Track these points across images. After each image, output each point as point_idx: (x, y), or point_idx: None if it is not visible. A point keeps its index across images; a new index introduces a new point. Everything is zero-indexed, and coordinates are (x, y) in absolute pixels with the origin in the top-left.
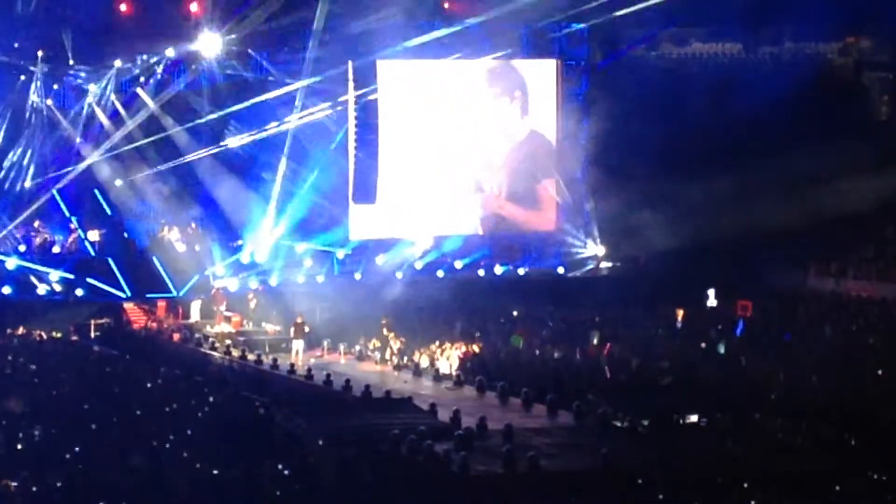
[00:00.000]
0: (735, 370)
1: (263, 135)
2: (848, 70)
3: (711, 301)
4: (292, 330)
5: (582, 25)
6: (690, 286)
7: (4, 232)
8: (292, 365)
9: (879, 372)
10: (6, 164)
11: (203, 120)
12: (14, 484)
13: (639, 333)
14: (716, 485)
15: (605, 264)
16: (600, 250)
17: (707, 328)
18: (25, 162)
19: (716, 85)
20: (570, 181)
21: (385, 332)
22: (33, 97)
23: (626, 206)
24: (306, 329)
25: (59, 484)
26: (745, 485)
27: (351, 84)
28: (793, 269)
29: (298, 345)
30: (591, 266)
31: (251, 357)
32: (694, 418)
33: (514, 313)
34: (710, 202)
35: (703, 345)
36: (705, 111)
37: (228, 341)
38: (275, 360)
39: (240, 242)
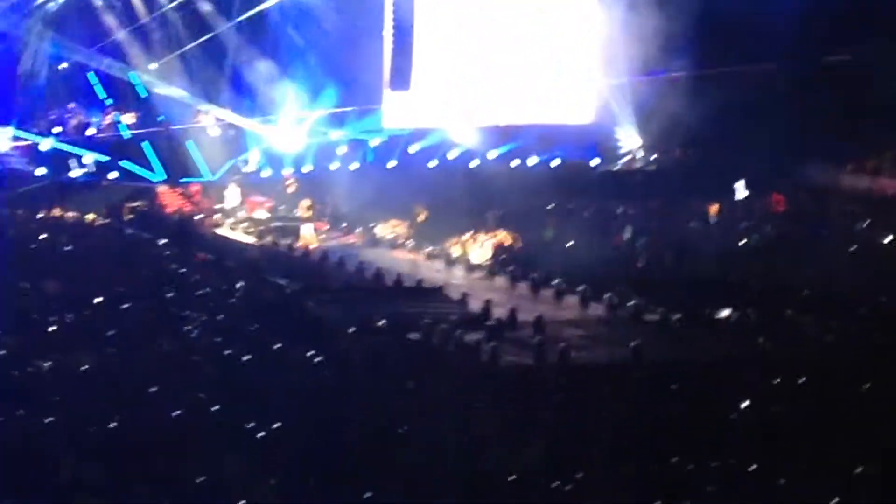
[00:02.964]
0: (767, 265)
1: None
2: None
3: (741, 194)
4: (300, 213)
5: None
6: (726, 181)
7: (40, 113)
8: (325, 251)
9: None
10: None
11: None
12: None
13: (672, 227)
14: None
15: (640, 157)
16: (637, 142)
17: (739, 222)
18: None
19: None
20: (609, 71)
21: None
22: None
23: (664, 97)
24: (311, 213)
25: (86, 367)
26: (775, 381)
27: None
28: (828, 166)
29: (306, 228)
30: (627, 158)
31: (284, 243)
32: (725, 313)
33: (548, 206)
34: (750, 95)
35: (740, 240)
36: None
37: (262, 227)
38: (307, 246)
39: (275, 128)
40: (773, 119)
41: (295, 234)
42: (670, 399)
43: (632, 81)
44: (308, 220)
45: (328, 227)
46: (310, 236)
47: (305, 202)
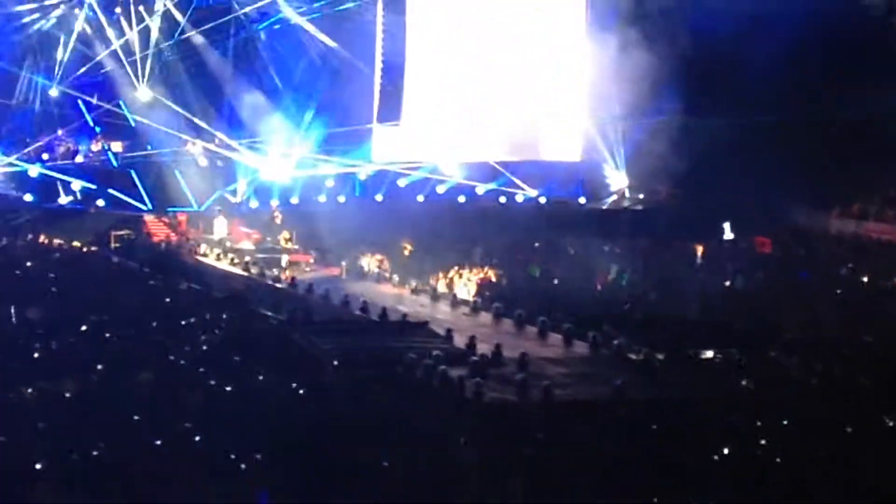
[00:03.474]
0: (752, 307)
1: None
2: (880, 10)
3: (727, 235)
4: (280, 245)
5: None
6: (711, 222)
7: (30, 141)
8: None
9: None
10: (33, 71)
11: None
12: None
13: (657, 267)
14: (728, 420)
15: (627, 196)
16: (623, 182)
17: (725, 264)
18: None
19: (747, 20)
20: (598, 111)
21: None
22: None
23: (652, 137)
24: (290, 246)
25: (68, 395)
26: (758, 422)
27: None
28: (815, 209)
29: (284, 259)
30: (613, 198)
31: (269, 274)
32: (709, 353)
33: (535, 243)
34: (738, 138)
35: (724, 282)
36: (734, 46)
37: (248, 258)
38: (293, 278)
39: (262, 159)
40: (760, 162)
41: (280, 265)
42: (653, 438)
43: (621, 121)
44: (288, 251)
45: (314, 259)
46: (288, 267)
47: (285, 234)
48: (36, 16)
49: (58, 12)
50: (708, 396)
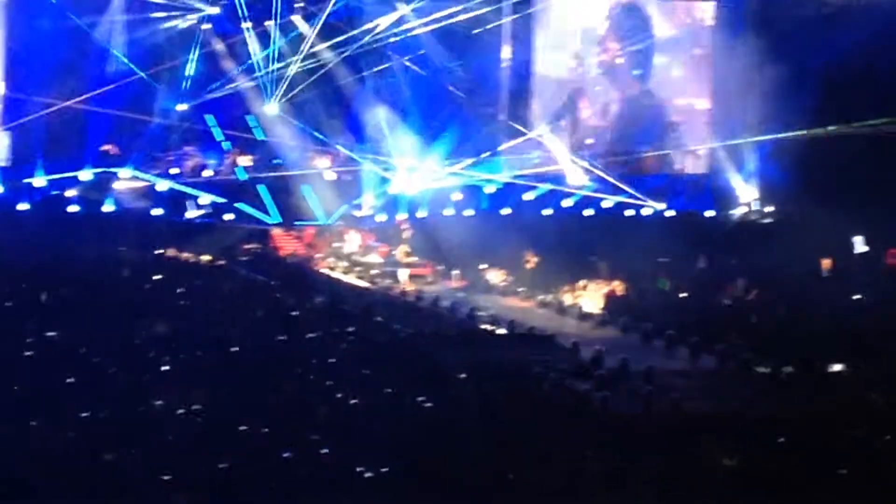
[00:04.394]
0: (884, 320)
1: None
2: None
3: (860, 248)
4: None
5: None
6: (842, 234)
7: (159, 155)
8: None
9: None
10: (162, 85)
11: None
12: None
13: (785, 280)
14: (857, 435)
15: (756, 209)
16: (752, 194)
17: (855, 277)
18: (182, 85)
19: (879, 31)
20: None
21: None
22: (190, 18)
23: (782, 150)
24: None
25: (196, 408)
26: (887, 437)
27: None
28: None
29: (403, 273)
30: (742, 210)
31: (397, 288)
32: (838, 367)
33: (662, 256)
34: (868, 149)
35: (854, 295)
36: (866, 58)
37: (375, 271)
38: (420, 291)
39: (390, 173)
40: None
41: (404, 278)
42: (780, 453)
43: (750, 133)
44: (408, 265)
45: (437, 272)
46: (407, 281)
47: (404, 248)
48: (164, 28)
49: (185, 25)
50: (836, 410)
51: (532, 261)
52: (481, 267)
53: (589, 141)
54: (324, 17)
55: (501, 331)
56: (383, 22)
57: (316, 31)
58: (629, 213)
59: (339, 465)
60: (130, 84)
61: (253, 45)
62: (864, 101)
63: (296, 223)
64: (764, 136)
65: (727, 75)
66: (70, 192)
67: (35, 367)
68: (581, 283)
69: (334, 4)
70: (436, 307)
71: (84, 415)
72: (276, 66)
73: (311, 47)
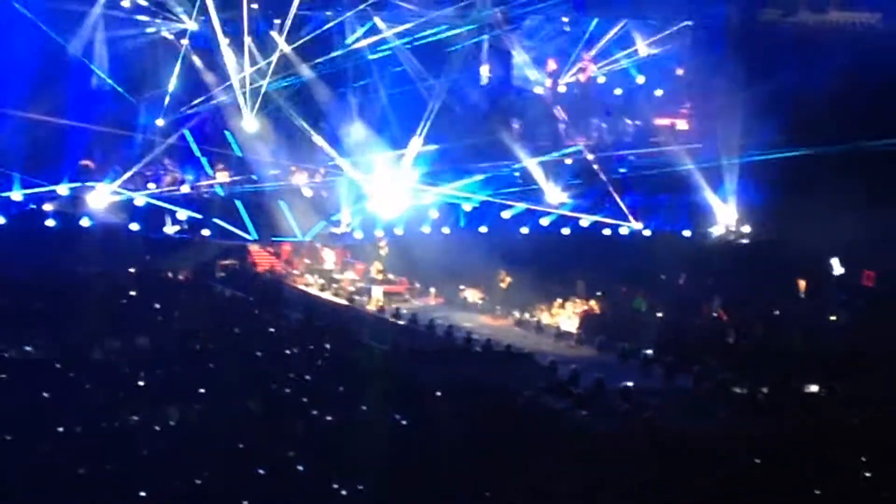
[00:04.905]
0: (858, 341)
1: None
2: None
3: (837, 269)
4: (371, 278)
5: None
6: (818, 256)
7: (135, 169)
8: (415, 314)
9: None
10: (140, 100)
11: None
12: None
13: (762, 301)
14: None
15: (733, 230)
16: (730, 215)
17: (831, 298)
18: (159, 100)
19: (855, 54)
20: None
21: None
22: (167, 34)
23: (758, 171)
24: (383, 277)
25: (172, 423)
26: (863, 458)
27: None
28: None
29: (377, 291)
30: (721, 233)
31: (373, 304)
32: (814, 388)
33: (639, 276)
34: (845, 171)
35: (829, 316)
36: (839, 82)
37: (351, 288)
38: (396, 309)
39: (367, 190)
40: (870, 196)
41: (378, 295)
42: (756, 471)
43: (726, 155)
44: (382, 282)
45: (413, 289)
46: (380, 298)
47: (377, 265)
48: (142, 43)
49: (163, 40)
50: (811, 430)
51: (508, 279)
52: (458, 284)
53: (567, 161)
54: (305, 34)
55: (478, 348)
56: (361, 37)
57: (293, 46)
58: (606, 232)
59: (315, 481)
60: (108, 99)
61: (230, 61)
62: (842, 122)
63: (273, 239)
64: (741, 158)
65: (706, 96)
66: (47, 207)
67: (10, 382)
68: (558, 301)
69: (310, 21)
70: (413, 324)
71: (59, 430)
72: (254, 81)
73: (289, 63)
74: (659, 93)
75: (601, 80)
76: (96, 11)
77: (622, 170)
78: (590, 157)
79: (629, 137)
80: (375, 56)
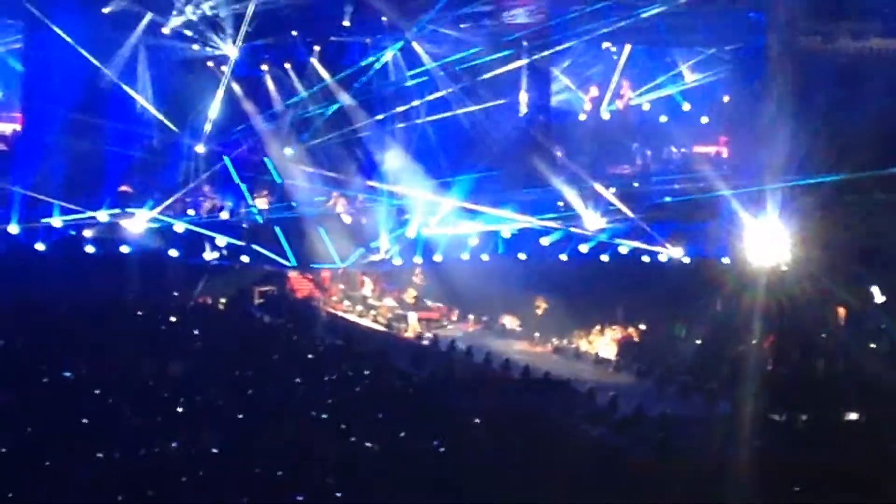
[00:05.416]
0: None
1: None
2: None
3: (878, 297)
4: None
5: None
6: (856, 284)
7: (176, 196)
8: (453, 341)
9: None
10: (181, 127)
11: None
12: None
13: (802, 328)
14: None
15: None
16: (772, 244)
17: (873, 326)
18: (199, 126)
19: (892, 82)
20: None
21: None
22: (208, 63)
23: (799, 198)
24: (415, 303)
25: (214, 450)
26: None
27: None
28: None
29: (412, 316)
30: (760, 260)
31: (412, 331)
32: (854, 416)
33: (679, 302)
34: (881, 202)
35: (870, 343)
36: (880, 109)
37: (390, 315)
38: (435, 335)
39: (407, 217)
40: None
41: (413, 322)
42: (794, 500)
43: (767, 182)
44: (417, 308)
45: (451, 315)
46: (416, 325)
47: (411, 291)
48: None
49: (204, 66)
50: (852, 459)
51: (544, 306)
52: (496, 311)
53: (612, 189)
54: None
55: (517, 375)
56: (401, 64)
57: (334, 74)
58: (646, 259)
59: None
60: (149, 125)
61: (271, 88)
62: (884, 149)
63: (312, 266)
64: (782, 184)
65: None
66: (87, 233)
67: (49, 407)
68: (596, 327)
69: (350, 48)
70: (451, 351)
71: (98, 455)
72: (294, 108)
73: (329, 90)
74: (704, 120)
75: (646, 106)
76: (137, 38)
77: (667, 199)
78: (635, 184)
79: (672, 165)
80: (414, 82)
